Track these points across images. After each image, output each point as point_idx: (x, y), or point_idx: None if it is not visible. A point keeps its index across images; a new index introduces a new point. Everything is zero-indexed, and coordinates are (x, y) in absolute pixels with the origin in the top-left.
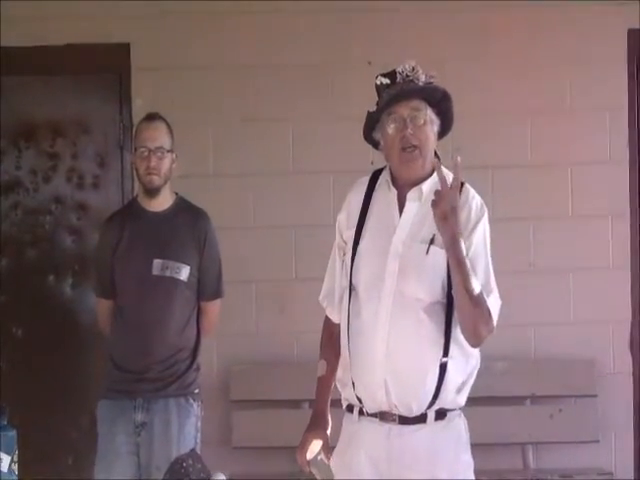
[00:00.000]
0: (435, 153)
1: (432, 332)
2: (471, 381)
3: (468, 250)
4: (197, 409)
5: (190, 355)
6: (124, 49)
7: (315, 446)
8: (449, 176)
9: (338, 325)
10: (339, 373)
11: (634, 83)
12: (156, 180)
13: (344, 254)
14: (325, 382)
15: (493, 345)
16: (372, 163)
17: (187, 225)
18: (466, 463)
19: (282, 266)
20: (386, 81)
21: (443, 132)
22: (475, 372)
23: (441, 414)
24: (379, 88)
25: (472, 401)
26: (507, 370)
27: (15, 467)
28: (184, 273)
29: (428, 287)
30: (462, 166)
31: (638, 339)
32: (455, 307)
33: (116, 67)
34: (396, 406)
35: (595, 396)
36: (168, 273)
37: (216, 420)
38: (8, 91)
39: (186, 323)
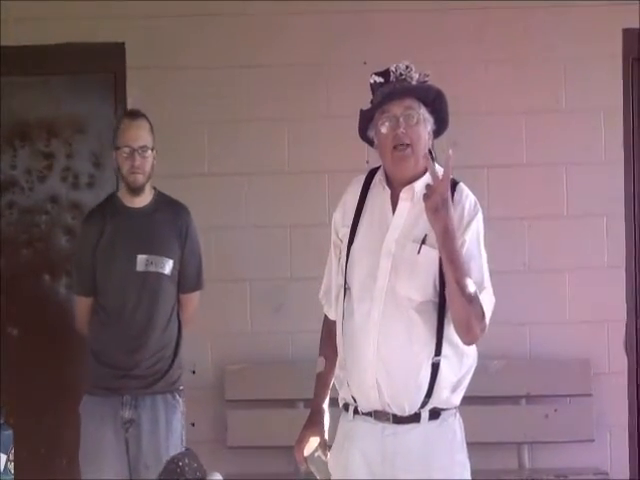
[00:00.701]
0: (430, 152)
1: (424, 331)
2: (466, 381)
3: (461, 248)
4: (182, 405)
5: (173, 350)
6: (119, 49)
7: (312, 443)
8: (441, 171)
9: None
10: (337, 372)
11: (629, 83)
12: (140, 179)
13: (340, 252)
14: (323, 379)
15: (488, 344)
16: (367, 162)
17: (168, 219)
18: (461, 463)
19: (277, 265)
20: (380, 80)
21: (439, 132)
22: (471, 372)
23: (435, 414)
24: (373, 86)
25: (467, 400)
26: (502, 370)
27: (11, 466)
28: (168, 267)
29: (420, 286)
30: (455, 162)
31: (633, 339)
32: (448, 304)
33: (111, 67)
34: (389, 405)
35: (590, 395)
36: (152, 268)
37: (211, 419)
38: (3, 91)
39: (169, 317)
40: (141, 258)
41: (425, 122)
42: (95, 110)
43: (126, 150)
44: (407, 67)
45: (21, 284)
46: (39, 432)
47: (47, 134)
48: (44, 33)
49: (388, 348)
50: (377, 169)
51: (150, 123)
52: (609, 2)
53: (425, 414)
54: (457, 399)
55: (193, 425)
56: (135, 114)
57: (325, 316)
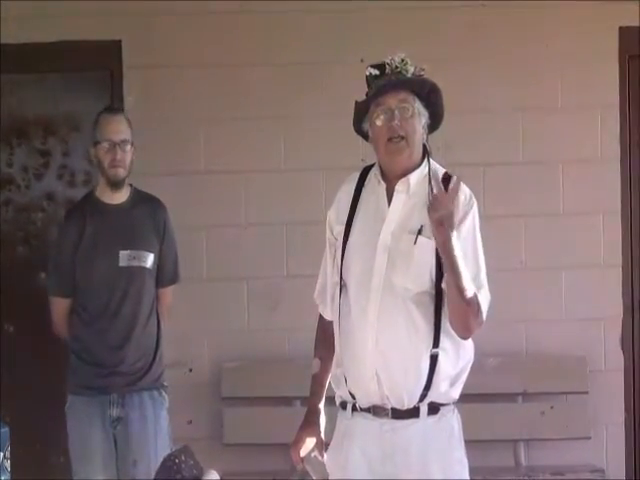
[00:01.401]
0: (425, 147)
1: (421, 322)
2: (464, 375)
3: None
4: (167, 401)
5: (155, 345)
6: (115, 47)
7: (309, 443)
8: (440, 171)
9: (332, 323)
10: (333, 370)
11: (625, 81)
12: (122, 172)
13: (335, 250)
14: (319, 380)
15: (485, 342)
16: (363, 160)
17: (147, 214)
18: (459, 460)
19: (274, 263)
20: (375, 72)
21: (433, 126)
22: (469, 366)
23: (434, 408)
24: (369, 79)
25: (463, 398)
26: (499, 367)
27: (7, 464)
28: (149, 261)
29: (416, 277)
30: (451, 160)
31: (629, 336)
32: (447, 303)
33: (107, 65)
34: (388, 397)
35: (587, 393)
36: (135, 262)
37: (207, 417)
38: (0, 89)
39: (150, 312)
40: (123, 254)
41: (420, 115)
42: (92, 108)
43: (106, 144)
44: (403, 60)
45: (17, 281)
46: (35, 429)
47: (44, 132)
48: (41, 31)
49: (387, 340)
50: (371, 167)
51: (128, 120)
52: (606, 1)
53: (424, 408)
54: (456, 393)
55: (190, 422)
56: (114, 110)
57: (320, 316)
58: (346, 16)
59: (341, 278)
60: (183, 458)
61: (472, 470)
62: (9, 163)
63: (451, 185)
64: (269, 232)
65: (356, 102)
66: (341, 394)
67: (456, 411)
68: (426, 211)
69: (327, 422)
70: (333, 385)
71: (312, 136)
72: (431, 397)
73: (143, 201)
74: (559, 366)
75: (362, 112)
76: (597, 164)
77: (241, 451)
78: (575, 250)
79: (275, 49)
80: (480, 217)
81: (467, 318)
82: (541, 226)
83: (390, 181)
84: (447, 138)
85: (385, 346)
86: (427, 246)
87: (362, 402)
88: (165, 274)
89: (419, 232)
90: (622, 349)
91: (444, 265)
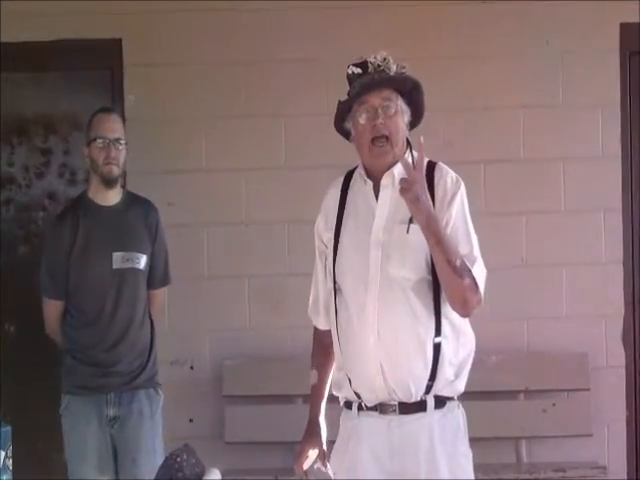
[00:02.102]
0: (408, 141)
1: (421, 311)
2: (467, 367)
3: (448, 223)
4: (162, 399)
5: (149, 344)
6: (116, 45)
7: (311, 455)
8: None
9: (328, 333)
10: (334, 377)
11: (626, 77)
12: (116, 170)
13: (325, 258)
14: (318, 391)
15: (486, 339)
16: None
17: (139, 216)
18: (465, 454)
19: (275, 261)
20: (358, 71)
21: (414, 123)
22: (471, 357)
23: (440, 402)
24: (351, 77)
25: (465, 395)
26: (500, 364)
27: (10, 463)
28: (142, 263)
29: (413, 264)
30: (452, 157)
31: (631, 333)
32: (442, 284)
33: (108, 63)
34: (394, 391)
35: (588, 390)
36: (129, 264)
37: (209, 415)
38: (1, 87)
39: (144, 312)
40: (117, 255)
41: (403, 113)
42: (92, 107)
43: (101, 141)
44: (385, 58)
45: (18, 281)
46: (37, 428)
47: (44, 131)
48: (41, 30)
49: (389, 332)
50: (354, 169)
51: (123, 120)
52: None
53: (430, 402)
54: (460, 385)
55: (191, 421)
56: (108, 109)
57: (314, 329)
58: (347, 13)
59: (335, 282)
60: (184, 456)
61: (474, 467)
62: (10, 162)
63: (418, 157)
64: (270, 230)
65: (339, 102)
66: (345, 395)
67: (461, 406)
68: None
69: (330, 420)
70: (335, 389)
71: (313, 134)
72: (437, 388)
73: (135, 203)
74: (561, 363)
75: (345, 111)
76: (598, 161)
77: (242, 449)
78: (576, 247)
79: (276, 47)
80: (481, 214)
81: (463, 292)
82: (542, 223)
83: (375, 177)
84: (448, 135)
85: (387, 339)
86: (420, 233)
87: (368, 401)
88: (157, 276)
89: (410, 221)
90: (624, 346)
91: (428, 242)
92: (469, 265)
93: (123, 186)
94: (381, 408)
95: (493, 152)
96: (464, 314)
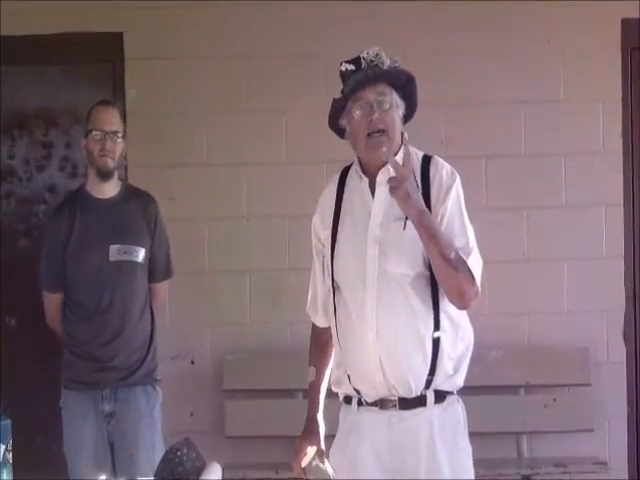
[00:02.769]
0: (402, 135)
1: (421, 305)
2: (466, 361)
3: (444, 216)
4: (161, 396)
5: (149, 339)
6: (117, 39)
7: (310, 453)
8: (418, 154)
9: (326, 330)
10: (333, 374)
11: (628, 73)
12: (111, 163)
13: (323, 256)
14: (316, 388)
15: (487, 334)
16: None
17: (138, 209)
18: (465, 448)
19: (276, 256)
20: (351, 67)
21: (408, 116)
22: (469, 351)
23: (440, 397)
24: (344, 74)
25: (466, 390)
26: (501, 359)
27: (10, 456)
28: (141, 255)
29: (410, 260)
30: (454, 152)
31: (632, 328)
32: (437, 278)
33: (109, 57)
34: (394, 387)
35: (589, 385)
36: (126, 257)
37: (209, 409)
38: (2, 80)
39: (144, 306)
40: (113, 248)
41: (397, 107)
42: (93, 100)
43: (97, 134)
44: (377, 54)
45: (19, 274)
46: (37, 422)
47: (45, 124)
48: (43, 23)
49: (388, 328)
50: (350, 166)
51: (121, 113)
52: None
53: (430, 396)
54: (460, 380)
55: (192, 415)
56: (107, 102)
57: (313, 327)
58: (348, 9)
59: (333, 280)
60: (185, 451)
61: (474, 462)
62: (11, 155)
63: (404, 154)
64: (271, 225)
65: (334, 99)
66: (345, 391)
67: (461, 401)
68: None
69: (329, 414)
70: (334, 386)
71: (314, 129)
72: (436, 383)
73: (134, 196)
74: (561, 358)
75: (339, 109)
76: (599, 156)
77: (243, 443)
78: (577, 242)
79: (277, 42)
80: (482, 209)
81: (459, 284)
82: (543, 218)
83: (371, 174)
84: (449, 131)
85: (386, 335)
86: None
87: (368, 396)
88: (158, 269)
89: (406, 217)
90: (624, 341)
91: (421, 238)
92: (464, 257)
93: (124, 180)
94: (381, 404)
95: (494, 147)
96: (462, 306)
